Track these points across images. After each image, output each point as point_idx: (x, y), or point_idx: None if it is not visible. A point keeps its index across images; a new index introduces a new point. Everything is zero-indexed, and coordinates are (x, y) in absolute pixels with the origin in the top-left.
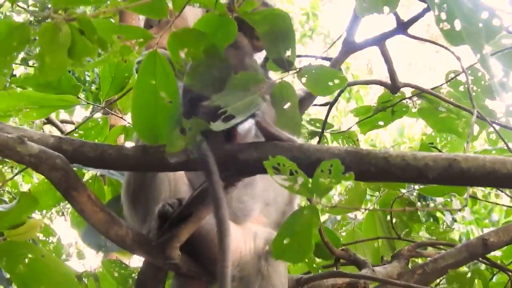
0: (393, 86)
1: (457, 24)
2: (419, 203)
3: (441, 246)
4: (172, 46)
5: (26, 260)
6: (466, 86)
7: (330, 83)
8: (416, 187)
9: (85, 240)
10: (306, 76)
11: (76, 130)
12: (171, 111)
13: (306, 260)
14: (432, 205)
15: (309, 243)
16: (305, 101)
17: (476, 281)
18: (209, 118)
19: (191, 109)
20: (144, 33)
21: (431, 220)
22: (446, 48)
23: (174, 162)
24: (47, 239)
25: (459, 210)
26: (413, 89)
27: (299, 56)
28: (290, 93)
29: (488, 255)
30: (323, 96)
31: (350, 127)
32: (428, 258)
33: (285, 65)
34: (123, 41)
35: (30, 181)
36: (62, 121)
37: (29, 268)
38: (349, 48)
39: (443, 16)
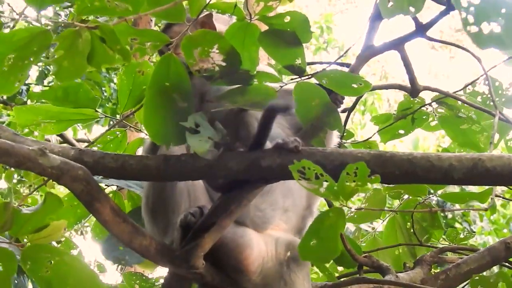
0: (413, 90)
1: (485, 27)
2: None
3: (463, 252)
4: (186, 46)
5: (51, 263)
6: (485, 95)
7: (355, 85)
8: (437, 192)
9: (105, 255)
10: (325, 79)
11: (94, 143)
12: (183, 112)
13: (326, 272)
14: (450, 216)
15: (335, 244)
16: None
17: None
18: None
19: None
20: (159, 36)
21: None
22: (466, 50)
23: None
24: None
25: (485, 210)
26: (433, 96)
27: (312, 63)
28: (314, 90)
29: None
30: (351, 96)
31: (371, 136)
32: (451, 264)
33: (297, 71)
34: (137, 44)
35: None
36: (79, 140)
37: (54, 271)
38: (368, 52)
39: (471, 19)
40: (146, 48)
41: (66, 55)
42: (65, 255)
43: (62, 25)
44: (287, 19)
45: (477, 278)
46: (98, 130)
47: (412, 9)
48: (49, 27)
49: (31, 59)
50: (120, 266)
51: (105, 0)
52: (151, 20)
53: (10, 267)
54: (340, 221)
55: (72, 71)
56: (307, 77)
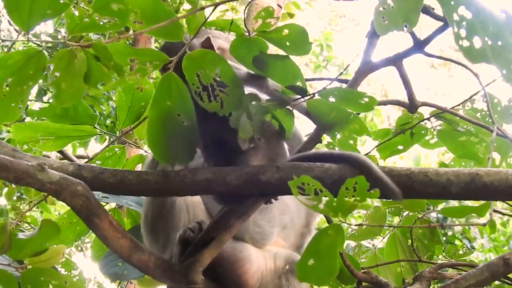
0: (411, 105)
1: (477, 42)
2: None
3: (462, 268)
4: (188, 68)
5: (50, 287)
6: (484, 112)
7: (362, 102)
8: (437, 208)
9: (103, 271)
10: (331, 96)
11: (93, 160)
12: (187, 132)
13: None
14: (450, 233)
15: (334, 263)
16: None
17: None
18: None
19: None
20: (158, 55)
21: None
22: (464, 66)
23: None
24: (69, 273)
25: (484, 225)
26: (432, 111)
27: (312, 79)
28: (328, 104)
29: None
30: (362, 112)
31: (370, 151)
32: (450, 280)
33: (299, 91)
34: (137, 64)
35: (48, 217)
36: (78, 157)
37: None
38: (366, 68)
39: (463, 33)
40: (146, 68)
41: (63, 76)
42: (64, 278)
43: (62, 41)
44: (286, 32)
45: None
46: (94, 146)
47: (406, 25)
48: (42, 48)
49: (30, 83)
50: (120, 285)
51: (94, 16)
52: (150, 38)
53: None
54: (339, 239)
55: (71, 93)
56: (310, 96)
